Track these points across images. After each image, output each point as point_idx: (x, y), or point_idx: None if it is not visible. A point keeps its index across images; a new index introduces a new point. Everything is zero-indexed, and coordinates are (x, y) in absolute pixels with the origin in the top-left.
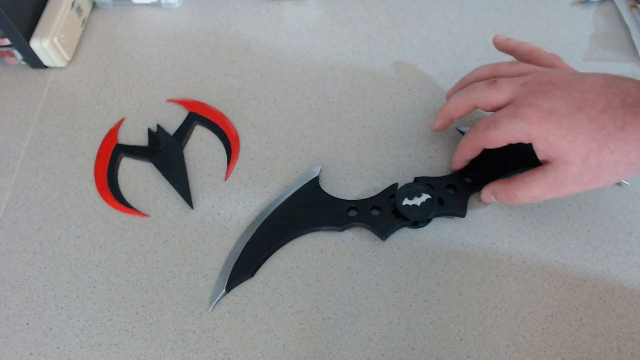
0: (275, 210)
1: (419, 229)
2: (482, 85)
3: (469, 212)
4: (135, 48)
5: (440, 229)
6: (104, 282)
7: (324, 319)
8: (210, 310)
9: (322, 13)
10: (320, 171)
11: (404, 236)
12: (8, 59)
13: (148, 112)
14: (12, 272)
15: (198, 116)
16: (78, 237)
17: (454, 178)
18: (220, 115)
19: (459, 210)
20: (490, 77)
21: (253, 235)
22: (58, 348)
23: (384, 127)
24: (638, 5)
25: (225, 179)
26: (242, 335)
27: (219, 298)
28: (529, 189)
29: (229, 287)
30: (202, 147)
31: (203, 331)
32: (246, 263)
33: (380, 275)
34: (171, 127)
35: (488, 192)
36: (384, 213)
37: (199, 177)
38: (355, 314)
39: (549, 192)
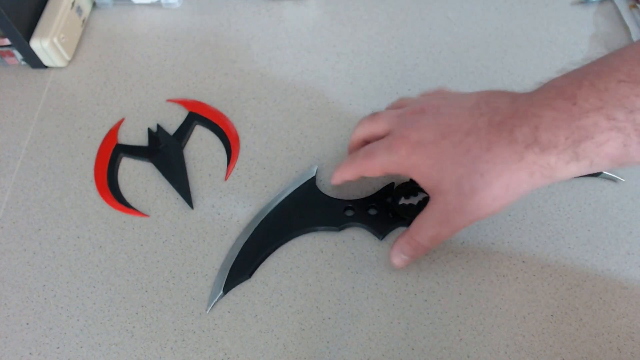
0: (272, 211)
1: None
2: (364, 119)
3: None
4: (135, 48)
5: None
6: (104, 282)
7: (324, 319)
8: (208, 312)
9: (322, 13)
10: (317, 171)
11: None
12: (8, 59)
13: (148, 112)
14: (12, 272)
15: (198, 116)
16: (78, 237)
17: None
18: (220, 115)
19: None
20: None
21: (250, 236)
22: (58, 348)
23: None
24: (638, 5)
25: (225, 179)
26: (242, 335)
27: (216, 299)
28: (424, 230)
29: (227, 289)
30: (202, 147)
31: (203, 331)
32: (243, 264)
33: (380, 275)
34: (171, 127)
35: (397, 252)
36: (381, 213)
37: (199, 177)
38: (355, 314)
39: (440, 229)
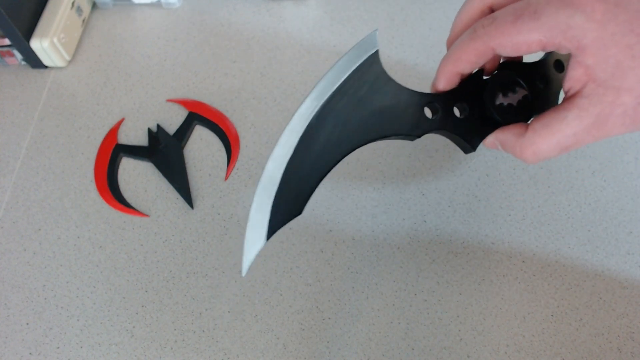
0: (320, 113)
1: None
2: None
3: (470, 211)
4: (135, 48)
5: (440, 229)
6: (104, 282)
7: (324, 319)
8: (244, 274)
9: (322, 13)
10: (377, 42)
11: (404, 236)
12: (8, 59)
13: (148, 112)
14: (12, 272)
15: (198, 116)
16: (78, 237)
17: (545, 67)
18: (220, 115)
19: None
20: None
21: (295, 149)
22: (58, 348)
23: None
24: None
25: (225, 179)
26: (242, 335)
27: (257, 252)
28: (552, 134)
29: (271, 232)
30: (202, 147)
31: (203, 331)
32: (292, 195)
33: (380, 275)
34: (171, 127)
35: (494, 141)
36: (472, 113)
37: (199, 177)
38: (355, 314)
39: (583, 136)
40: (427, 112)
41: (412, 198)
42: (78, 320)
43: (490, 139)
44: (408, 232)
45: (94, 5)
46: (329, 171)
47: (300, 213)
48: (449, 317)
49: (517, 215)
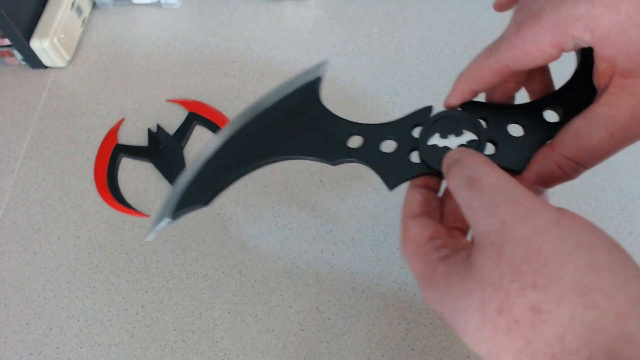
0: (252, 121)
1: None
2: None
3: None
4: (135, 48)
5: None
6: (103, 283)
7: (324, 319)
8: (150, 239)
9: (322, 13)
10: (323, 71)
11: None
12: (8, 59)
13: (148, 112)
14: (12, 272)
15: (198, 116)
16: (78, 237)
17: (527, 110)
18: (220, 115)
19: (516, 164)
20: None
21: (218, 150)
22: (58, 348)
23: None
24: None
25: None
26: (242, 335)
27: (163, 225)
28: (585, 141)
29: (177, 214)
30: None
31: (203, 331)
32: (203, 184)
33: (380, 275)
34: (171, 127)
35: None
36: (401, 150)
37: None
38: (355, 314)
39: (624, 135)
40: (352, 142)
41: None
42: (78, 320)
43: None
44: None
45: (94, 5)
46: (243, 174)
47: (206, 204)
48: None
49: None
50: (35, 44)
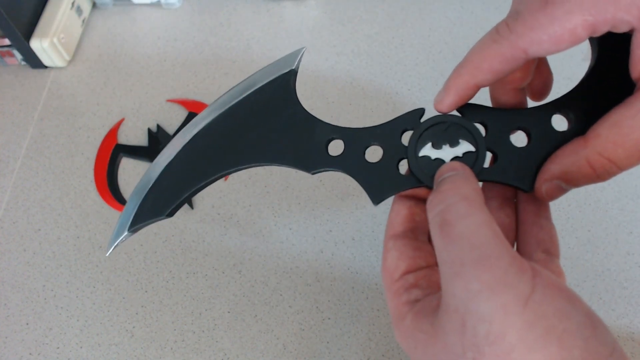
0: (217, 120)
1: None
2: None
3: None
4: (135, 48)
5: None
6: (104, 282)
7: (323, 319)
8: (108, 254)
9: (322, 13)
10: (299, 61)
11: None
12: (8, 59)
13: (148, 112)
14: (12, 272)
15: None
16: (78, 237)
17: (533, 115)
18: None
19: (520, 179)
20: None
21: (179, 153)
22: (58, 348)
23: None
24: None
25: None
26: (242, 335)
27: (121, 239)
28: (626, 134)
29: (134, 227)
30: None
31: (203, 331)
32: (163, 195)
33: (380, 275)
34: (171, 127)
35: (551, 181)
36: (388, 159)
37: None
38: (355, 314)
39: None
40: (332, 148)
41: None
42: (78, 320)
43: (547, 186)
44: None
45: (94, 5)
46: (206, 183)
47: (168, 215)
48: None
49: None
50: (35, 44)
